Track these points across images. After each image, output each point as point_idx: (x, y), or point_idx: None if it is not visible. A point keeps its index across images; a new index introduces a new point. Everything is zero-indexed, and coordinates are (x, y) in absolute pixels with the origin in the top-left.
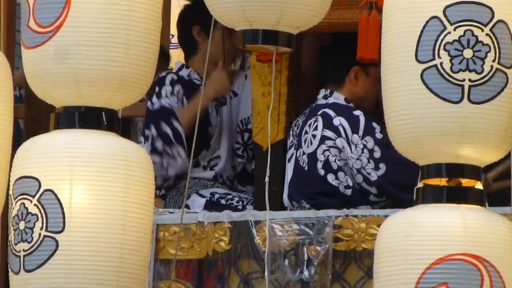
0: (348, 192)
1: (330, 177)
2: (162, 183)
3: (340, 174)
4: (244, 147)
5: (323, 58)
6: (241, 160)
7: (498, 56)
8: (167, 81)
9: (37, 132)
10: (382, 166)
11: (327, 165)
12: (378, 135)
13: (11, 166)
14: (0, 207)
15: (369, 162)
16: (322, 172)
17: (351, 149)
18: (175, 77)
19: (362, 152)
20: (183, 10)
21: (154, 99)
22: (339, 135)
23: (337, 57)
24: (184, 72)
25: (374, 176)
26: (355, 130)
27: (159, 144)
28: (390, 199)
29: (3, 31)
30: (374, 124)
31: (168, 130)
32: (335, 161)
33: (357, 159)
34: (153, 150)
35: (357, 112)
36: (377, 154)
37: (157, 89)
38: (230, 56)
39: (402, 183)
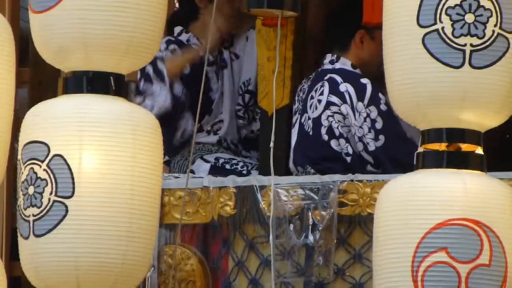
0: (348, 159)
1: (334, 143)
2: None
3: (341, 141)
4: (245, 108)
5: (329, 22)
6: (242, 122)
7: (499, 21)
8: (163, 40)
9: (42, 96)
10: (381, 138)
11: (330, 130)
12: (383, 107)
13: (13, 130)
14: (1, 173)
15: (369, 131)
16: (326, 137)
17: (354, 117)
18: (172, 39)
19: (365, 120)
20: None
21: None
22: (344, 101)
23: (342, 21)
24: (183, 37)
25: (372, 146)
26: (360, 98)
27: (141, 84)
28: (384, 172)
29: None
30: (380, 95)
31: (150, 70)
32: (337, 127)
33: (359, 127)
34: (137, 92)
35: (364, 80)
36: (379, 125)
37: None
38: (232, 22)
39: (397, 159)
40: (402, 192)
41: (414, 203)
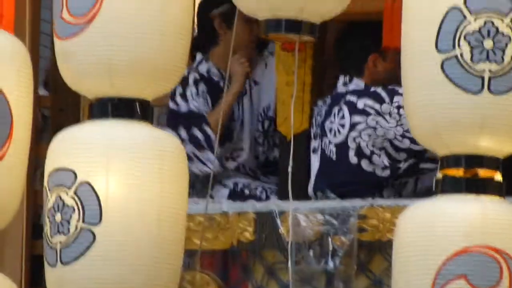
0: (387, 172)
1: (364, 164)
2: None
3: (374, 157)
4: (265, 135)
5: (340, 47)
6: (261, 148)
7: None
8: (191, 81)
9: (64, 122)
10: None
11: (359, 151)
12: (401, 90)
13: (30, 156)
14: (18, 201)
15: None
16: (355, 159)
17: (386, 120)
18: (197, 76)
19: (399, 114)
20: (203, 0)
21: (179, 99)
22: (368, 114)
23: (354, 46)
24: (203, 67)
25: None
26: (380, 100)
27: (189, 148)
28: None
29: (28, 21)
30: (391, 86)
31: (199, 135)
32: (366, 146)
33: (397, 125)
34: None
35: (373, 88)
36: None
37: (180, 89)
38: (250, 47)
39: None
40: (421, 219)
41: (433, 229)
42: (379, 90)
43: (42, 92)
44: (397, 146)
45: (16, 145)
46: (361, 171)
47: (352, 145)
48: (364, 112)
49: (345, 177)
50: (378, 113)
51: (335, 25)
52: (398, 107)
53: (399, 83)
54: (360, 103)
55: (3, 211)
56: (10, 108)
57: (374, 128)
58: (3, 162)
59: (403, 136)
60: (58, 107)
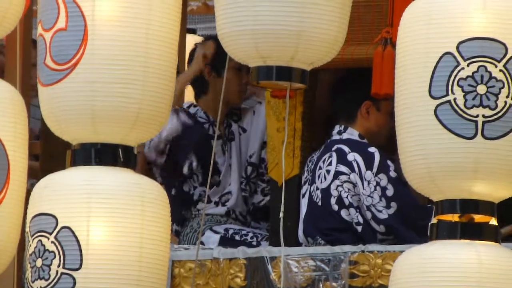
0: (359, 228)
1: (344, 213)
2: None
3: (352, 210)
4: (247, 180)
5: (334, 94)
6: (244, 194)
7: (511, 92)
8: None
9: (54, 168)
10: (393, 205)
11: (340, 200)
12: (392, 173)
13: (26, 203)
14: (15, 245)
15: (380, 200)
16: (335, 207)
17: (363, 185)
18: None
19: (375, 189)
20: (193, 49)
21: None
22: (353, 170)
23: (348, 92)
24: (191, 110)
25: (384, 214)
26: (369, 166)
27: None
28: (398, 238)
29: (19, 68)
30: (389, 162)
31: None
32: (347, 197)
33: (369, 195)
34: None
35: (372, 149)
36: (390, 192)
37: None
38: (239, 95)
39: (412, 223)
40: (416, 264)
41: (428, 275)
42: (376, 156)
43: None
44: (378, 218)
45: (13, 190)
46: (341, 219)
47: (334, 192)
48: (350, 166)
49: (329, 223)
50: (361, 175)
51: (328, 74)
52: (377, 184)
53: (390, 135)
54: (351, 156)
55: (1, 255)
56: (7, 155)
57: (354, 185)
58: (1, 207)
59: (368, 208)
60: (49, 154)
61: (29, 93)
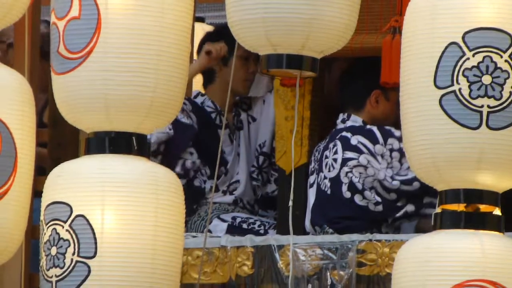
0: (379, 207)
1: (358, 198)
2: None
3: (366, 193)
4: (259, 170)
5: (344, 82)
6: (255, 183)
7: None
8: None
9: (61, 156)
10: None
11: (352, 186)
12: (397, 133)
13: (33, 190)
14: (22, 232)
15: (402, 164)
16: (348, 194)
17: (378, 161)
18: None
19: (391, 157)
20: (202, 38)
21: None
22: (361, 152)
23: (358, 81)
24: (198, 99)
25: (411, 174)
26: (374, 141)
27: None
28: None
29: (28, 58)
30: (387, 127)
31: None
32: (358, 181)
33: (388, 167)
34: None
35: (368, 127)
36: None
37: None
38: (246, 84)
39: None
40: (419, 253)
41: (432, 264)
42: (375, 129)
43: None
44: (386, 187)
45: (21, 178)
46: (355, 206)
47: (344, 180)
48: (356, 149)
49: (340, 212)
50: (371, 153)
51: (335, 61)
52: (391, 150)
53: (396, 125)
54: (354, 140)
55: (8, 243)
56: (15, 143)
57: (365, 167)
58: (9, 195)
59: (392, 178)
60: (57, 142)
61: (37, 81)
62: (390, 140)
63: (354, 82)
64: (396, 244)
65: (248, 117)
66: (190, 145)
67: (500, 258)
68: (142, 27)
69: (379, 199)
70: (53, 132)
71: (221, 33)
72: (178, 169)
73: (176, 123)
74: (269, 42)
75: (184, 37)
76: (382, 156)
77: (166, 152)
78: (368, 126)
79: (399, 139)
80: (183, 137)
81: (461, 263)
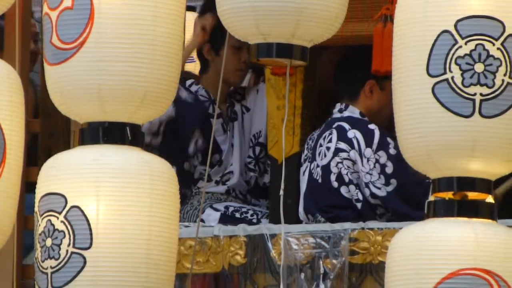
0: (359, 205)
1: (344, 190)
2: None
3: (351, 187)
4: (256, 161)
5: (339, 71)
6: (253, 174)
7: (509, 70)
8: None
9: (53, 147)
10: (393, 182)
11: (339, 177)
12: (392, 151)
13: (22, 182)
14: (11, 224)
15: (379, 177)
16: (335, 184)
17: (362, 162)
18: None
19: (374, 166)
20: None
21: None
22: (352, 147)
23: (352, 70)
24: (193, 88)
25: (383, 192)
26: (369, 143)
27: None
28: (396, 214)
29: (18, 48)
30: (389, 139)
31: None
32: (347, 174)
33: (367, 173)
34: None
35: (372, 126)
36: (389, 169)
37: None
38: (238, 74)
39: (412, 200)
40: (413, 242)
41: (425, 252)
42: (376, 133)
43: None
44: (372, 192)
45: (10, 169)
46: (341, 196)
47: (334, 169)
48: (350, 143)
49: (329, 201)
50: (360, 152)
51: (332, 53)
52: (377, 161)
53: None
54: (351, 133)
55: None
56: (4, 134)
57: (354, 163)
58: None
59: (366, 185)
60: (48, 132)
61: (28, 72)
62: (381, 153)
63: (348, 72)
64: (388, 232)
65: (242, 107)
66: (197, 125)
67: (494, 247)
68: (136, 16)
69: (360, 197)
70: (44, 122)
71: (208, 6)
72: (191, 149)
73: (178, 103)
74: (259, 31)
75: (177, 26)
76: (368, 160)
77: (167, 133)
78: (371, 126)
79: (390, 157)
80: (188, 116)
81: (455, 251)
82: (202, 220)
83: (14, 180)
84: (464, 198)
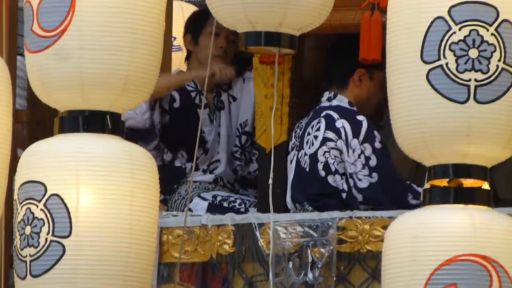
0: (344, 195)
1: (330, 179)
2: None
3: (337, 177)
4: (242, 149)
5: (328, 60)
6: (239, 163)
7: (503, 56)
8: None
9: (40, 136)
10: (375, 176)
11: (326, 166)
12: (377, 144)
13: (10, 171)
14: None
15: (363, 168)
16: (323, 173)
17: (348, 153)
18: None
19: (359, 157)
20: (189, 18)
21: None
22: (340, 137)
23: (342, 59)
24: None
25: (365, 183)
26: (356, 134)
27: None
28: (375, 206)
29: (5, 36)
30: (376, 133)
31: None
32: (333, 163)
33: (352, 163)
34: None
35: (360, 117)
36: (373, 162)
37: None
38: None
39: (390, 195)
40: (410, 229)
41: (422, 239)
42: (364, 124)
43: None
44: (356, 185)
45: None
46: (328, 185)
47: (321, 158)
48: (338, 133)
49: (316, 189)
50: (347, 142)
51: (313, 40)
52: (362, 153)
53: (379, 106)
54: (339, 123)
55: None
56: None
57: (341, 152)
58: None
59: (351, 176)
60: (35, 121)
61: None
62: (366, 145)
63: (337, 60)
64: (376, 221)
65: (228, 97)
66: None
67: (490, 233)
68: (117, 4)
69: (345, 187)
70: (31, 111)
71: (208, 12)
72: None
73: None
74: (247, 19)
75: (159, 15)
76: (354, 151)
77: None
78: (360, 117)
79: (374, 151)
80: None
81: (452, 238)
82: (190, 209)
83: (2, 169)
84: (459, 185)
